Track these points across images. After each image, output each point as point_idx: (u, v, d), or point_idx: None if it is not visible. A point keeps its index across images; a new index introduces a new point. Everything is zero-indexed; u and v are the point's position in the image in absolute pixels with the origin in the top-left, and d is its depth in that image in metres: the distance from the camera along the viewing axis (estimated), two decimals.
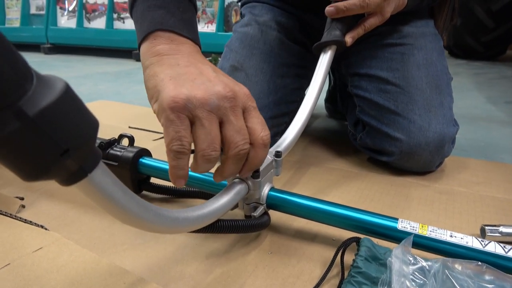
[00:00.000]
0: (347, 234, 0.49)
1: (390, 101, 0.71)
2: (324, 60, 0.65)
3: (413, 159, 0.69)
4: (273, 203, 0.50)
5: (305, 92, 0.88)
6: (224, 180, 0.45)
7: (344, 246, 0.43)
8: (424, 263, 0.37)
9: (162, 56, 0.43)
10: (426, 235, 0.42)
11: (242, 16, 0.89)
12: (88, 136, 0.22)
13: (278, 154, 0.52)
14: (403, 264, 0.36)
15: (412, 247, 0.40)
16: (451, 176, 0.73)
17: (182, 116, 0.37)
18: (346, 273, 0.41)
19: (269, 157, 0.51)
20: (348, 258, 0.43)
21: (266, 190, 0.49)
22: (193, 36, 0.46)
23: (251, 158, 0.42)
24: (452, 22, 0.86)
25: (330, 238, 0.51)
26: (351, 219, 0.45)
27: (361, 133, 0.78)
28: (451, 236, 0.41)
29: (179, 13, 0.46)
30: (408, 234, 0.42)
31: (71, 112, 0.21)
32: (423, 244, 0.42)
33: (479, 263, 0.37)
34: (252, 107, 0.42)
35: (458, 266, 0.37)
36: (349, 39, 0.65)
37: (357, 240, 0.43)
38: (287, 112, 0.79)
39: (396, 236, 0.43)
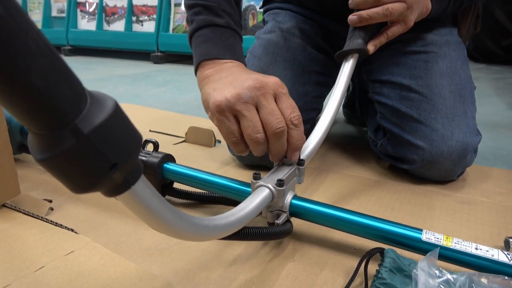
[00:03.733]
0: (369, 243, 0.50)
1: (413, 108, 0.71)
2: (346, 68, 0.65)
3: (434, 167, 0.69)
4: (295, 211, 0.50)
5: (326, 100, 0.89)
6: (278, 159, 0.52)
7: (368, 256, 0.43)
8: (449, 276, 0.37)
9: (209, 77, 0.54)
10: (451, 247, 0.42)
11: (265, 22, 0.90)
12: (133, 150, 0.23)
13: (301, 162, 0.53)
14: (429, 277, 0.36)
15: (437, 258, 0.40)
16: (473, 185, 0.72)
17: (227, 114, 0.48)
18: (369, 283, 0.42)
19: (292, 165, 0.52)
20: (371, 268, 0.44)
21: (289, 198, 0.50)
22: (235, 57, 0.57)
23: (289, 139, 0.49)
24: (476, 30, 0.85)
25: (352, 247, 0.51)
26: (375, 229, 0.46)
27: (381, 140, 0.78)
28: (476, 248, 0.41)
29: (222, 42, 0.57)
30: (432, 245, 0.42)
31: (120, 128, 0.22)
32: (447, 256, 0.42)
33: (506, 277, 0.37)
34: (282, 93, 0.49)
35: (484, 279, 0.37)
36: (371, 47, 0.65)
37: (381, 251, 0.43)
38: (307, 120, 0.80)
39: (420, 247, 0.43)
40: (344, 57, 0.67)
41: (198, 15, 0.60)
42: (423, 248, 0.43)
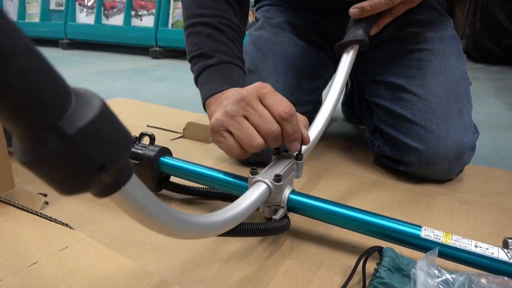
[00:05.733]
0: (367, 241, 0.49)
1: (407, 109, 0.70)
2: (346, 60, 0.63)
3: (432, 168, 0.69)
4: (293, 206, 0.50)
5: (322, 92, 0.88)
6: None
7: (366, 254, 0.43)
8: (448, 276, 0.37)
9: (213, 111, 0.58)
10: (450, 244, 0.41)
11: (256, 20, 0.90)
12: (122, 151, 0.22)
13: (299, 157, 0.52)
14: (428, 277, 0.36)
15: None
16: (471, 185, 0.72)
17: (221, 132, 0.50)
18: (367, 282, 0.41)
19: (290, 160, 0.52)
20: (369, 266, 0.43)
21: (286, 193, 0.50)
22: (233, 84, 0.59)
23: (284, 133, 0.48)
24: (476, 16, 0.85)
25: (350, 245, 0.51)
26: (373, 225, 0.45)
27: (378, 141, 0.77)
28: (475, 246, 0.41)
29: (217, 77, 0.61)
30: (431, 242, 0.42)
31: (107, 129, 0.21)
32: (446, 253, 0.42)
33: (506, 278, 0.36)
34: (265, 93, 0.49)
35: (483, 280, 0.36)
36: (374, 28, 0.64)
37: (379, 250, 0.43)
38: (303, 113, 0.79)
39: (419, 244, 0.43)
40: (344, 48, 0.65)
41: (195, 64, 0.65)
42: (422, 245, 0.43)
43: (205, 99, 0.61)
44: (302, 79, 0.80)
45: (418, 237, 0.43)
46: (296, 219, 0.54)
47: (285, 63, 0.78)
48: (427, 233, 0.43)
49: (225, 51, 0.63)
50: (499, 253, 0.40)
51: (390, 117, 0.73)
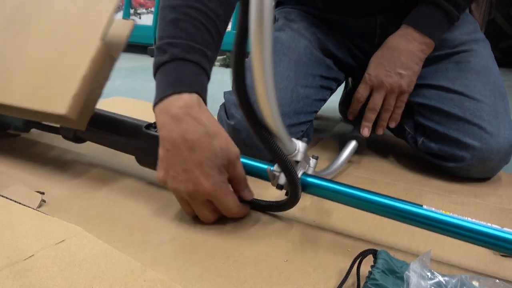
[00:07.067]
0: (362, 245, 0.50)
1: (455, 107, 0.71)
2: (348, 149, 0.77)
3: (483, 164, 0.70)
4: (303, 184, 0.54)
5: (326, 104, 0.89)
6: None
7: (360, 257, 0.43)
8: (441, 278, 0.38)
9: (159, 116, 0.56)
10: (450, 214, 0.46)
11: (275, 20, 0.89)
12: None
13: (315, 156, 0.58)
14: (421, 279, 0.36)
15: (434, 231, 0.46)
16: (467, 187, 0.72)
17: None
18: (361, 284, 0.42)
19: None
20: (364, 269, 0.44)
21: (300, 172, 0.54)
22: (179, 86, 0.54)
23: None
24: (490, 16, 0.86)
25: (345, 248, 0.51)
26: (379, 204, 0.49)
27: (422, 138, 0.78)
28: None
29: (166, 78, 0.56)
30: (433, 213, 0.46)
31: None
32: (447, 223, 0.46)
33: (497, 280, 0.37)
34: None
35: (475, 282, 0.37)
36: (379, 128, 0.80)
37: (373, 252, 0.43)
38: (305, 121, 0.79)
39: (422, 215, 0.47)
40: (348, 140, 0.79)
41: (155, 58, 0.60)
42: (424, 215, 0.47)
43: (153, 104, 0.56)
44: (311, 88, 0.79)
45: (421, 209, 0.47)
46: (293, 223, 0.55)
47: (297, 70, 0.78)
48: (428, 207, 0.48)
49: (179, 43, 0.56)
50: (492, 226, 0.44)
51: (436, 114, 0.74)
